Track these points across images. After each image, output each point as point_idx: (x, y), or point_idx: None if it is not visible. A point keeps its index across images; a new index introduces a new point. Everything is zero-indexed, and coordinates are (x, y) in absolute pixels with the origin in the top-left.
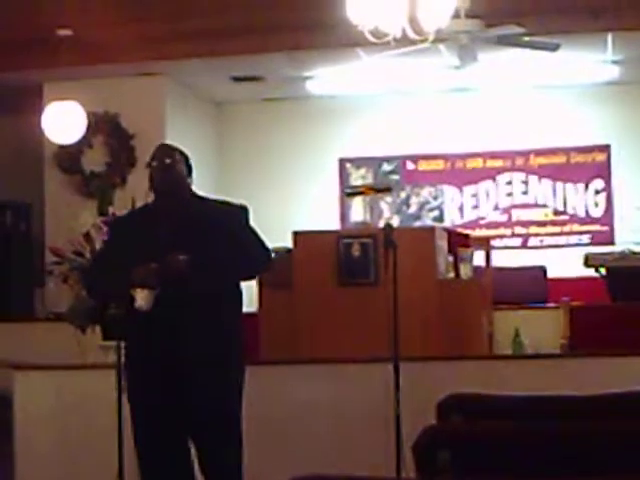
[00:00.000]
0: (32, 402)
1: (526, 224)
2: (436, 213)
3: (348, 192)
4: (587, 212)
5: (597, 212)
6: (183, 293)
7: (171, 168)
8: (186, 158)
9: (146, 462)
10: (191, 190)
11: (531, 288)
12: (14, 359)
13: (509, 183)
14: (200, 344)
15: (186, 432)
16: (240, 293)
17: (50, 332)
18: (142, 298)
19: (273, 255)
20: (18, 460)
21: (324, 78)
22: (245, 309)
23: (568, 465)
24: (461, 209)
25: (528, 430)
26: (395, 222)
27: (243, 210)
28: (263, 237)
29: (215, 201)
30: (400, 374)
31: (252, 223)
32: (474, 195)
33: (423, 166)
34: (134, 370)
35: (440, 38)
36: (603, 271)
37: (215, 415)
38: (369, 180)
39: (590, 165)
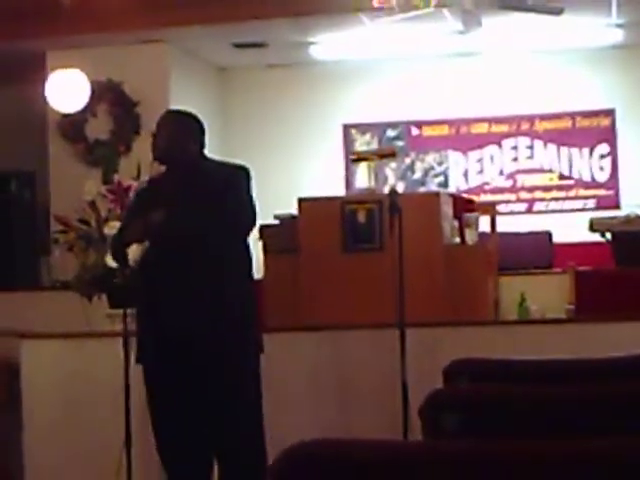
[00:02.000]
0: (39, 370)
1: (531, 189)
2: (441, 179)
3: (353, 158)
4: (592, 176)
5: (602, 176)
6: (188, 259)
7: (162, 133)
8: (190, 121)
9: (161, 431)
10: (196, 151)
11: (536, 253)
12: (20, 328)
13: (514, 148)
14: (208, 312)
15: (202, 407)
16: (250, 260)
17: (56, 301)
18: (131, 252)
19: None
20: (26, 428)
21: (328, 43)
22: None
23: (572, 428)
24: (466, 174)
25: (534, 393)
26: (400, 188)
27: (242, 170)
28: (255, 201)
29: (215, 162)
30: (406, 340)
31: (252, 185)
32: (479, 160)
33: (428, 132)
34: (145, 340)
35: (444, 3)
36: (608, 235)
37: (231, 394)
38: (374, 146)
39: (595, 129)
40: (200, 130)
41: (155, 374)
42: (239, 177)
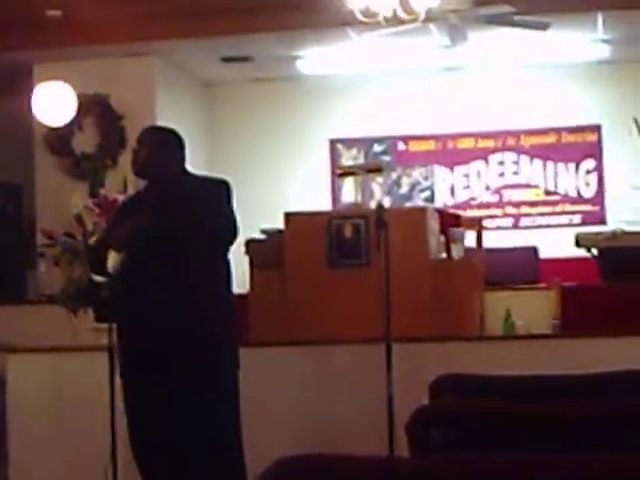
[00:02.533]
0: (25, 385)
1: (517, 204)
2: (427, 194)
3: (340, 172)
4: (578, 192)
5: (588, 192)
6: (168, 268)
7: (141, 149)
8: (168, 136)
9: (138, 439)
10: (176, 165)
11: (522, 268)
12: (6, 342)
13: (500, 163)
14: (185, 323)
15: (178, 418)
16: (229, 274)
17: (42, 314)
18: (110, 259)
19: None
20: (11, 443)
21: (314, 58)
22: (236, 290)
23: (558, 443)
24: (452, 190)
25: (519, 409)
26: (386, 203)
27: (223, 184)
28: (236, 215)
29: (196, 177)
30: (392, 355)
31: (239, 204)
32: (465, 175)
33: (414, 147)
34: (124, 352)
35: (430, 17)
36: (594, 251)
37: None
38: (360, 161)
39: (581, 145)
40: (179, 144)
41: (132, 384)
42: (219, 190)
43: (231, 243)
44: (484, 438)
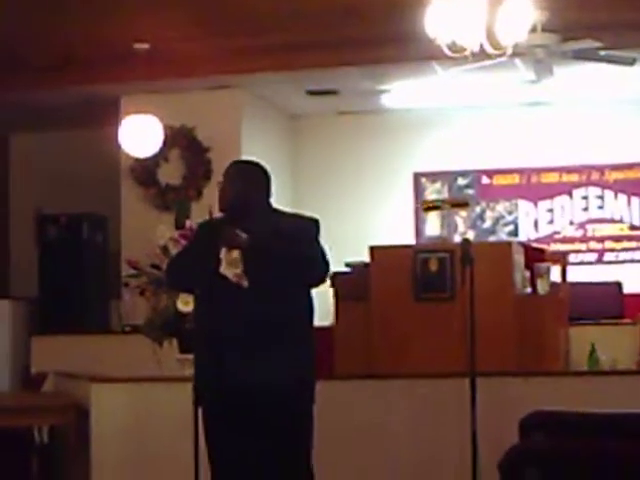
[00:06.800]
0: (108, 414)
1: (601, 239)
2: (511, 228)
3: (425, 207)
4: None
5: None
6: (258, 308)
7: (224, 185)
8: (255, 171)
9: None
10: (262, 201)
11: (607, 304)
12: (90, 371)
13: (585, 198)
14: (272, 363)
15: (257, 455)
16: (312, 309)
17: (126, 344)
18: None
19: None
20: (94, 471)
21: (399, 91)
22: (321, 322)
23: None
24: (536, 224)
25: (615, 449)
26: (470, 237)
27: (314, 223)
28: (327, 254)
29: (285, 214)
30: (476, 389)
31: (323, 237)
32: (549, 210)
33: (498, 180)
34: (205, 384)
35: (516, 52)
36: None
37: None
38: (444, 194)
39: None
40: (266, 180)
41: (216, 417)
42: (310, 228)
43: (323, 280)
44: (578, 477)
